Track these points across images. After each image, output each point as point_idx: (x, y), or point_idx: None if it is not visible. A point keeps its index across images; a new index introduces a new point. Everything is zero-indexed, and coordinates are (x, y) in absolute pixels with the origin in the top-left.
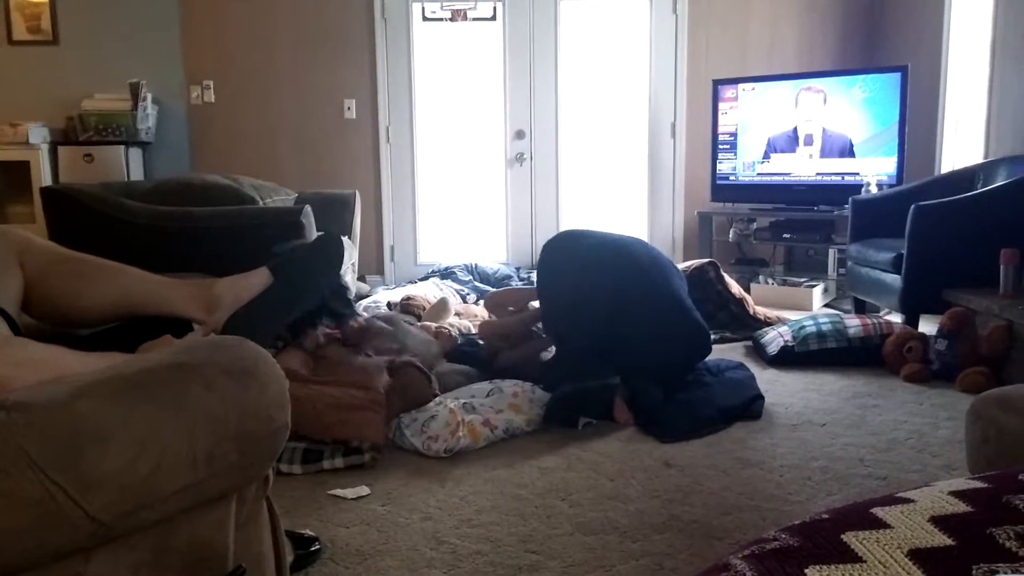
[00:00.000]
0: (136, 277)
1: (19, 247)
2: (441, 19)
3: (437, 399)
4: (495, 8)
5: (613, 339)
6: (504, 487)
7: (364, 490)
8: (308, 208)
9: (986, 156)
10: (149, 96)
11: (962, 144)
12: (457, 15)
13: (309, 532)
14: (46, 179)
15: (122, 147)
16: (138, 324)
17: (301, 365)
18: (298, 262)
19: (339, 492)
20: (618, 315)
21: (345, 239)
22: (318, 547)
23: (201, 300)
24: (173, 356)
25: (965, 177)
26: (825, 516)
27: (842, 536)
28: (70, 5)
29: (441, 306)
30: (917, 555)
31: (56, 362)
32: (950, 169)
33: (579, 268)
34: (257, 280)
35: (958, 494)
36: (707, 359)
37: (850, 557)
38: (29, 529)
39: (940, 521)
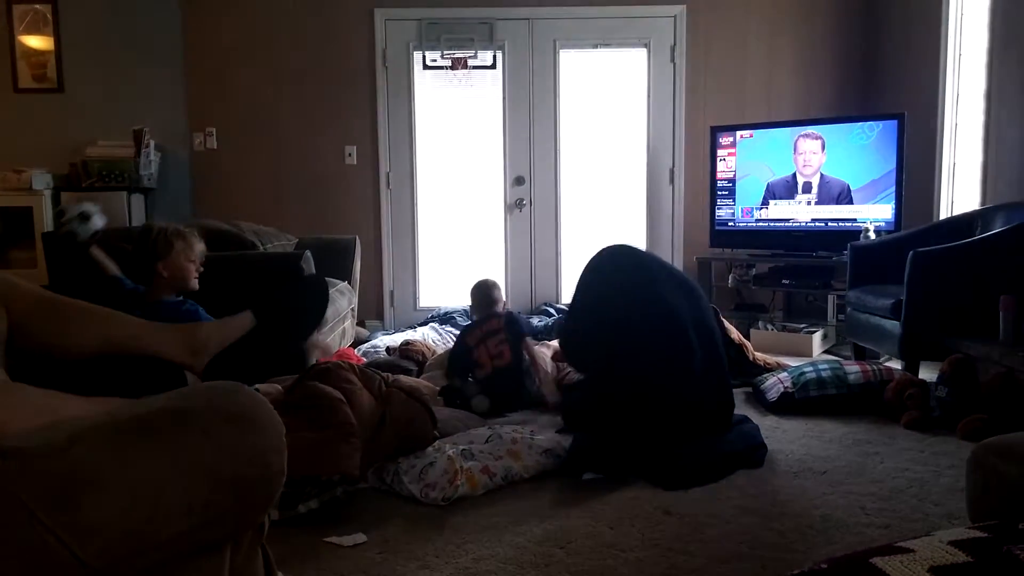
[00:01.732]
0: (121, 321)
1: (3, 291)
2: (442, 67)
3: (435, 444)
4: (495, 56)
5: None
6: (502, 535)
7: (361, 537)
8: (308, 254)
9: (983, 202)
10: (152, 142)
11: (960, 190)
12: (457, 63)
13: None
14: (48, 225)
15: (124, 193)
16: (123, 365)
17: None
18: (282, 304)
19: (336, 540)
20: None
21: (345, 284)
22: None
23: (185, 343)
24: (170, 401)
25: (963, 223)
26: (823, 567)
27: None
28: (75, 53)
29: (445, 356)
30: None
31: (53, 407)
32: (948, 215)
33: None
34: (241, 323)
35: (958, 544)
36: None
37: None
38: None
39: (940, 572)
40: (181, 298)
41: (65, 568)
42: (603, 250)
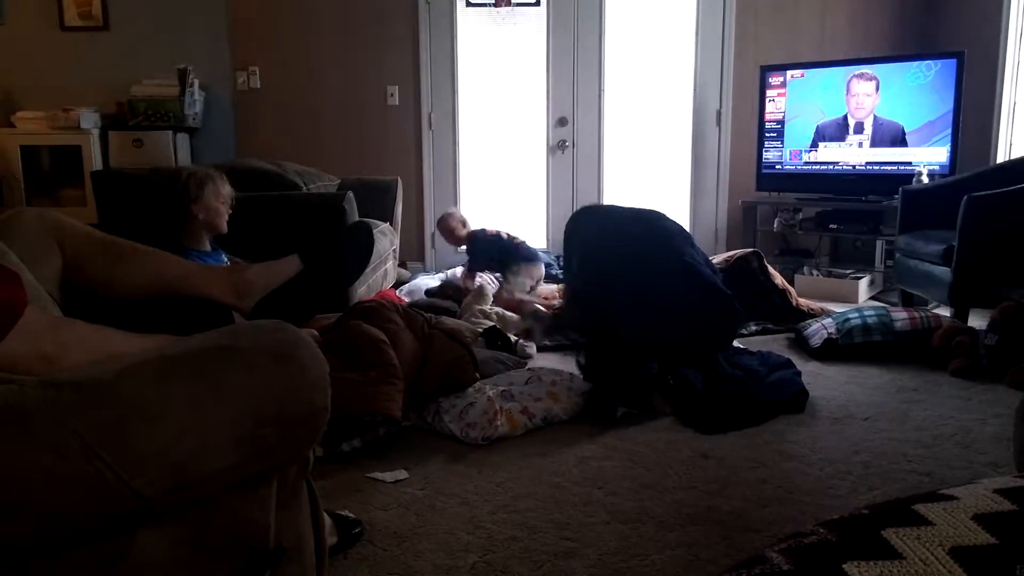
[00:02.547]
0: (170, 261)
1: (57, 230)
2: (485, 4)
3: (476, 385)
4: None
5: (635, 322)
6: (541, 475)
7: (403, 474)
8: (350, 194)
9: None
10: (196, 82)
11: (1019, 133)
12: (501, 1)
13: (350, 514)
14: (97, 164)
15: (170, 132)
16: (172, 305)
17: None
18: (328, 251)
19: (378, 475)
20: (630, 293)
21: (386, 225)
22: (360, 530)
23: (232, 285)
24: (217, 339)
25: (1021, 167)
26: (865, 511)
27: (882, 532)
28: None
29: (480, 292)
30: (959, 553)
31: (103, 343)
32: (1006, 159)
33: (587, 255)
34: (287, 267)
35: (1003, 492)
36: (757, 354)
37: (889, 553)
38: (78, 505)
39: (984, 519)
40: (219, 252)
41: (119, 497)
42: (573, 215)
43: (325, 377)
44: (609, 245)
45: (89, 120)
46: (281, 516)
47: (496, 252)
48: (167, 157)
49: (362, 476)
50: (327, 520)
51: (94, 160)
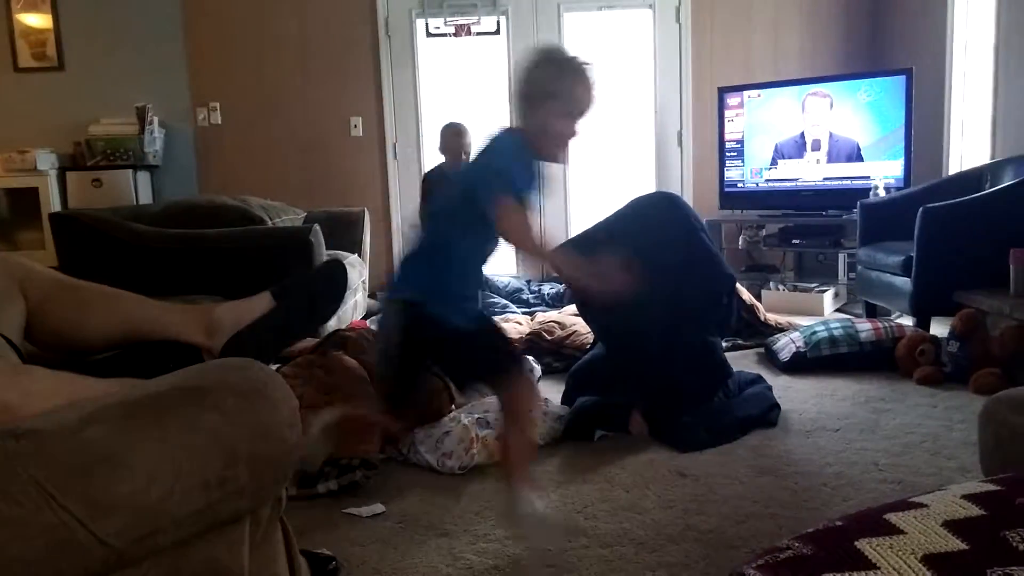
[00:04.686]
0: (136, 303)
1: (21, 275)
2: (445, 34)
3: (451, 414)
4: (499, 22)
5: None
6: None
7: (379, 508)
8: (317, 227)
9: (993, 156)
10: (156, 119)
11: (969, 145)
12: (461, 30)
13: (326, 552)
14: (55, 205)
15: (130, 171)
16: (140, 350)
17: (296, 386)
18: (301, 288)
19: (354, 511)
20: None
21: (355, 257)
22: (335, 566)
23: (201, 324)
24: (183, 379)
25: (973, 178)
26: (839, 523)
27: (855, 543)
28: (75, 31)
29: None
30: (931, 560)
31: (66, 389)
32: (957, 170)
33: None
34: (259, 304)
35: (971, 497)
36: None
37: (864, 564)
38: (42, 557)
39: (953, 525)
40: None
41: (85, 547)
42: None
43: (295, 413)
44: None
45: (46, 161)
46: (255, 558)
47: None
48: (127, 196)
49: (338, 512)
50: (302, 561)
51: (52, 202)
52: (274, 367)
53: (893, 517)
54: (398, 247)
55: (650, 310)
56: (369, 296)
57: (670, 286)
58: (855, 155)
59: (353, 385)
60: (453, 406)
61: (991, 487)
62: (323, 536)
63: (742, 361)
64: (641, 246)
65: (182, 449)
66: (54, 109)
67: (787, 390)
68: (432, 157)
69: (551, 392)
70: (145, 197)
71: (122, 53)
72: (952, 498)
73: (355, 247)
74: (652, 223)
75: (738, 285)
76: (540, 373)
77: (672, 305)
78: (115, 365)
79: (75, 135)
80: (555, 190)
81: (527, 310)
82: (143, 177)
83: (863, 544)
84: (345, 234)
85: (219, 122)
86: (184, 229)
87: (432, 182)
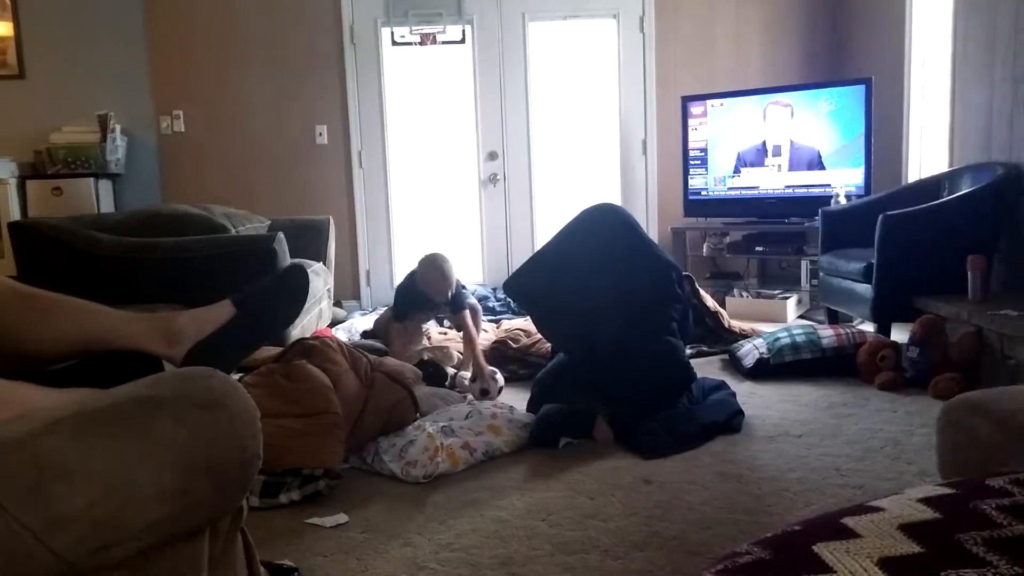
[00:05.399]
0: (96, 312)
1: None
2: (411, 43)
3: (415, 423)
4: (464, 31)
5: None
6: (484, 510)
7: (342, 518)
8: (281, 235)
9: (951, 164)
10: (118, 128)
11: (928, 153)
12: (426, 39)
13: (288, 563)
14: (15, 214)
15: (92, 179)
16: (99, 360)
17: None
18: (262, 295)
19: (317, 521)
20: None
21: (319, 265)
22: None
23: (162, 333)
24: (141, 389)
25: (931, 186)
26: (797, 528)
27: (813, 547)
28: (36, 38)
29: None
30: (887, 564)
31: (20, 399)
32: (917, 178)
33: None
34: (220, 313)
35: (927, 501)
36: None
37: (821, 568)
38: None
39: (909, 528)
40: None
41: (39, 560)
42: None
43: (256, 423)
44: (574, 258)
45: (5, 170)
46: (215, 570)
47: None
48: (89, 205)
49: (300, 522)
50: (263, 572)
51: (12, 210)
52: (236, 376)
53: (850, 521)
54: (364, 254)
55: (600, 315)
56: (335, 305)
57: (617, 289)
58: (816, 163)
59: (317, 394)
60: (417, 415)
61: (947, 490)
62: (285, 547)
63: (706, 367)
64: (586, 255)
65: (139, 460)
66: (14, 117)
67: (751, 396)
68: (399, 165)
69: (516, 400)
70: (107, 206)
71: (84, 61)
72: (908, 501)
73: (320, 255)
74: (595, 232)
75: (702, 292)
76: (502, 383)
77: (622, 307)
78: (73, 375)
79: (36, 143)
80: (521, 200)
81: (493, 318)
82: (105, 186)
83: (820, 548)
84: (310, 242)
85: (183, 130)
86: (146, 238)
87: None
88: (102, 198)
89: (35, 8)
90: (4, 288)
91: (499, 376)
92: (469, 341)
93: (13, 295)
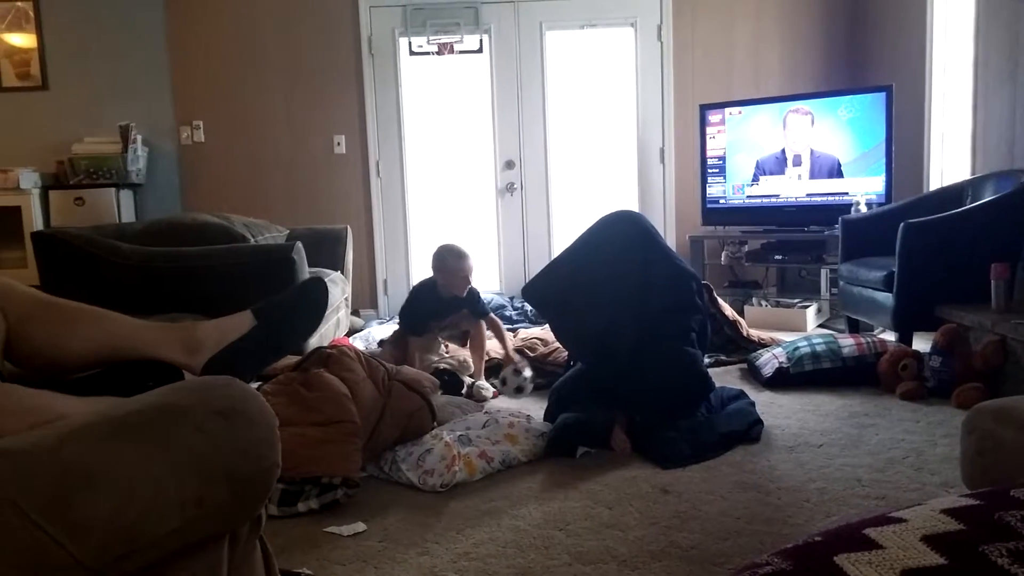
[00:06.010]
0: (117, 321)
1: (1, 294)
2: (428, 53)
3: (432, 432)
4: (481, 40)
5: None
6: (501, 519)
7: (360, 526)
8: (299, 245)
9: (973, 172)
10: (139, 138)
11: (949, 161)
12: (444, 49)
13: (306, 571)
14: (37, 224)
15: (113, 189)
16: (121, 368)
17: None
18: (282, 306)
19: (335, 529)
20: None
21: (338, 274)
22: None
23: (182, 343)
24: (161, 397)
25: (953, 194)
26: (818, 538)
27: (835, 558)
28: (59, 50)
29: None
30: (910, 575)
31: (43, 407)
32: (938, 186)
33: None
34: (240, 323)
35: (950, 512)
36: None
37: None
38: None
39: (932, 540)
40: None
41: (63, 567)
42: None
43: (275, 432)
44: (590, 263)
45: (29, 180)
46: None
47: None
48: (110, 214)
49: (318, 531)
50: None
51: (35, 220)
52: (255, 385)
53: (872, 532)
54: (381, 263)
55: (619, 324)
56: (352, 314)
57: (635, 297)
58: (836, 171)
59: (335, 403)
60: (435, 423)
61: (971, 501)
62: (304, 555)
63: (725, 377)
64: (603, 264)
65: (160, 468)
66: (38, 128)
67: (770, 406)
68: (416, 175)
69: (533, 408)
70: (128, 215)
71: (106, 72)
72: (931, 512)
73: (338, 265)
74: (614, 240)
75: (721, 301)
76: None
77: (640, 315)
78: (95, 384)
79: (58, 154)
80: (538, 209)
81: (510, 327)
82: (126, 195)
83: (842, 559)
84: (328, 251)
85: (202, 140)
86: (166, 247)
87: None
88: (123, 208)
89: (58, 20)
90: (27, 298)
91: (528, 371)
92: (478, 348)
93: (36, 305)
